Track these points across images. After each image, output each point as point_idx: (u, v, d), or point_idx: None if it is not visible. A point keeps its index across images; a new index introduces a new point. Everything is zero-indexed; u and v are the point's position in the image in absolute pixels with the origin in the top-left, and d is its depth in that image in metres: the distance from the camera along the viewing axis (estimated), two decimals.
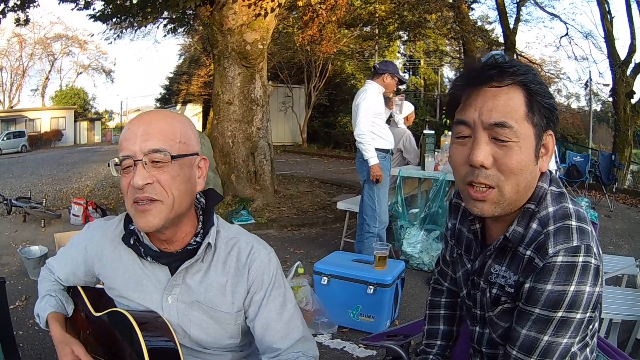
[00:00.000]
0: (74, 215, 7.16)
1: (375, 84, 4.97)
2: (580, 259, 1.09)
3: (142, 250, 1.37)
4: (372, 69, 5.32)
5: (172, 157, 1.26)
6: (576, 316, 1.10)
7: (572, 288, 1.08)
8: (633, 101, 14.29)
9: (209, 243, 1.37)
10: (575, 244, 1.10)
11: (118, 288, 1.43)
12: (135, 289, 1.40)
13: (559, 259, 1.10)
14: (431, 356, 1.61)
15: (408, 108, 6.44)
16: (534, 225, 1.17)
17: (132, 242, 1.38)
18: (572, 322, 1.10)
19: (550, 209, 1.18)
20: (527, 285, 1.15)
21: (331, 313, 3.68)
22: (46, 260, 1.66)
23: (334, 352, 3.41)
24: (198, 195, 1.43)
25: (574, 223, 1.14)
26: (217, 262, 1.39)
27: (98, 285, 1.57)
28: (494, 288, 1.26)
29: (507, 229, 1.21)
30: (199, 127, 23.85)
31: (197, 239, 1.38)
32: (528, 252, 1.16)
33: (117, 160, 1.28)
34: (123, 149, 1.26)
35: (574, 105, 25.82)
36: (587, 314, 1.11)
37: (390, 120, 6.33)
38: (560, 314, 1.10)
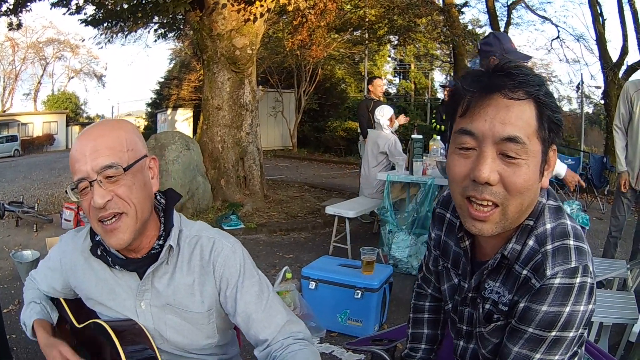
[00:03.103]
0: (65, 220, 7.12)
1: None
2: (578, 280, 1.07)
3: (110, 259, 1.38)
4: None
5: (125, 169, 1.26)
6: (569, 335, 1.08)
7: (567, 309, 1.06)
8: None
9: (170, 245, 1.37)
10: (573, 265, 1.08)
11: (94, 298, 1.45)
12: (110, 298, 1.42)
13: (557, 281, 1.07)
14: None
15: (387, 111, 6.45)
16: (531, 242, 1.13)
17: (99, 252, 1.39)
18: (564, 341, 1.09)
19: (548, 226, 1.14)
20: (521, 304, 1.12)
21: (319, 317, 3.68)
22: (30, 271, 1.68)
23: (322, 356, 3.39)
24: (158, 197, 1.43)
25: (572, 242, 1.11)
26: (182, 263, 1.39)
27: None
28: (487, 303, 1.24)
29: (504, 247, 1.16)
30: (190, 132, 23.71)
31: (160, 242, 1.38)
32: (524, 272, 1.13)
33: (73, 184, 1.27)
34: (76, 172, 1.26)
35: (566, 108, 25.84)
36: (580, 331, 1.10)
37: (376, 124, 6.39)
38: (554, 333, 1.08)
